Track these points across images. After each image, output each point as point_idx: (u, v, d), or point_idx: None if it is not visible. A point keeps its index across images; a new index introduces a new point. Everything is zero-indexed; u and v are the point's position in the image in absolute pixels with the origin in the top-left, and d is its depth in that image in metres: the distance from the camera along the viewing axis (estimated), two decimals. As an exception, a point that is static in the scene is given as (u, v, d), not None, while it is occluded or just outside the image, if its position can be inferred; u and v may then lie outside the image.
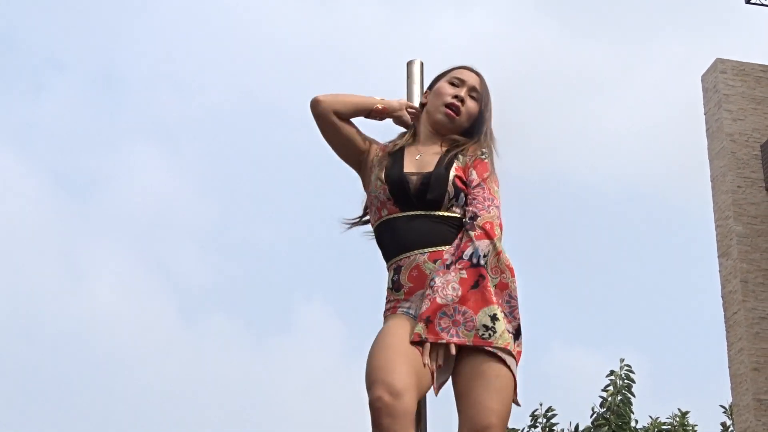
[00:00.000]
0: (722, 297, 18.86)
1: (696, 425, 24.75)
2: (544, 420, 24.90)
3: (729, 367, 18.52)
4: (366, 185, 3.82)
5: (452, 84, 3.82)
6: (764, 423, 17.67)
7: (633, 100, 51.16)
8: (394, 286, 3.61)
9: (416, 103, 3.95)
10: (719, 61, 19.81)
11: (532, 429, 25.05)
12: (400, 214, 3.65)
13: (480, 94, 3.84)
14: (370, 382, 3.39)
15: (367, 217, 3.84)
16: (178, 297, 50.66)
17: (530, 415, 24.98)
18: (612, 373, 24.48)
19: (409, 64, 4.04)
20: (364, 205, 3.86)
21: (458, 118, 3.80)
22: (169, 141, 53.05)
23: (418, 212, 3.62)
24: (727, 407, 24.61)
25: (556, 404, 25.67)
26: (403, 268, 3.60)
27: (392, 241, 3.65)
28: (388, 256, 3.68)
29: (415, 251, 3.58)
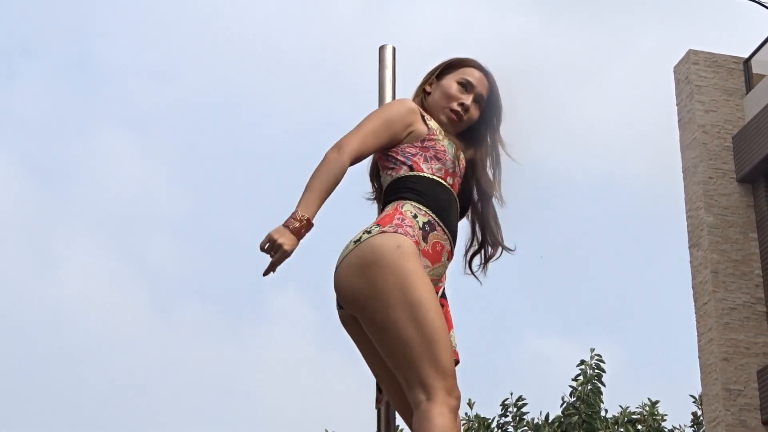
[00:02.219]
0: (692, 288, 18.95)
1: (666, 414, 24.91)
2: (515, 409, 24.99)
3: (699, 357, 18.62)
4: (411, 133, 3.69)
5: (460, 84, 3.82)
6: (733, 413, 17.79)
7: (607, 90, 51.33)
8: (423, 231, 3.49)
9: (388, 89, 3.94)
10: (692, 53, 19.88)
11: (503, 418, 25.14)
12: (455, 194, 3.66)
13: (485, 100, 3.87)
14: (450, 369, 3.29)
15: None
16: (152, 285, 50.55)
17: (501, 404, 25.07)
18: (582, 362, 24.59)
19: (381, 48, 4.01)
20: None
21: (459, 124, 3.81)
22: (143, 128, 52.84)
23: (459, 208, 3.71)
24: (697, 397, 24.77)
25: (528, 393, 25.79)
26: (435, 231, 3.53)
27: (440, 207, 3.57)
28: (427, 205, 3.56)
29: (450, 238, 3.58)
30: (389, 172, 3.63)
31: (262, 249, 3.42)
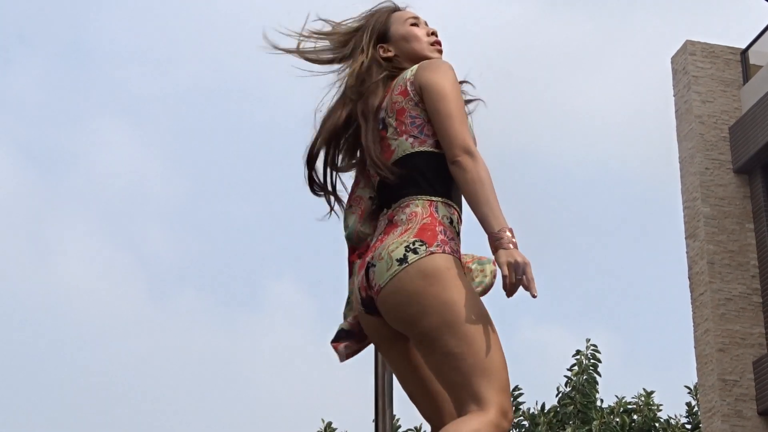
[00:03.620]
0: (689, 278, 18.97)
1: (661, 405, 24.95)
2: (511, 399, 25.02)
3: (695, 348, 18.64)
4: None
5: (412, 24, 3.64)
6: (729, 403, 17.82)
7: (604, 80, 51.31)
8: (458, 235, 3.34)
9: None
10: (689, 43, 19.87)
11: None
12: None
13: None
14: (507, 389, 3.14)
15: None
16: (148, 274, 50.54)
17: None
18: (578, 352, 24.63)
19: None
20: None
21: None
22: (139, 116, 52.79)
23: None
24: (693, 387, 24.81)
25: (524, 383, 25.82)
26: (457, 218, 3.37)
27: (457, 191, 3.39)
28: (454, 197, 3.38)
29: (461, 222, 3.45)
30: (411, 140, 3.39)
31: (521, 283, 3.18)
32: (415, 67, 3.49)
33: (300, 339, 44.68)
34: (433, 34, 3.65)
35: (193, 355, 43.23)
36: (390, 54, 3.61)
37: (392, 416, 3.70)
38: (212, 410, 40.63)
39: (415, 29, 3.63)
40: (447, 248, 3.24)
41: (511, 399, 3.18)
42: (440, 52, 3.63)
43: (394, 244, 3.25)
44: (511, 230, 3.23)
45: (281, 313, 48.19)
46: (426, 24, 3.68)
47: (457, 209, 3.37)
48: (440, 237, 3.25)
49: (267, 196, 53.05)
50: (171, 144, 52.40)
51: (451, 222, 3.32)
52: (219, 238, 48.77)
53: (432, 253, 3.21)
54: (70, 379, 43.58)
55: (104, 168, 48.93)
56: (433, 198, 3.34)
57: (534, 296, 3.20)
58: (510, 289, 3.18)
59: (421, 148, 3.39)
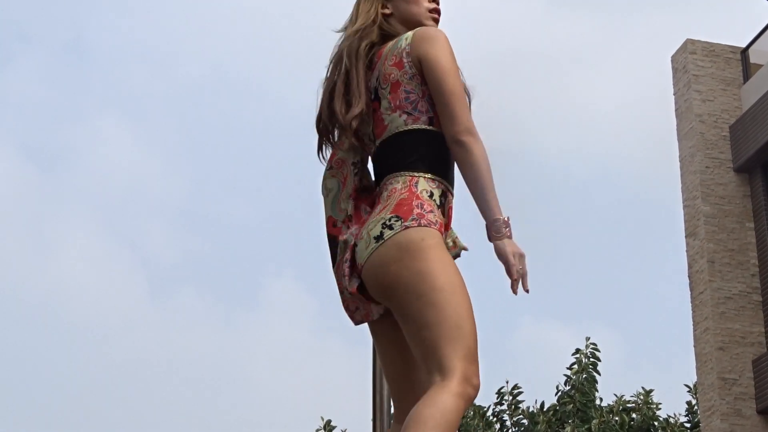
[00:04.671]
0: (689, 277, 18.97)
1: (660, 403, 24.95)
2: (510, 397, 25.02)
3: (694, 347, 18.64)
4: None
5: None
6: (728, 402, 17.81)
7: (606, 78, 51.31)
8: (441, 207, 3.33)
9: None
10: (689, 42, 19.87)
11: (498, 406, 25.18)
12: None
13: None
14: (473, 356, 3.13)
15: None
16: (147, 271, 50.55)
17: (496, 393, 25.12)
18: (578, 351, 24.62)
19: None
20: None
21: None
22: (138, 114, 52.79)
23: None
24: (692, 386, 24.81)
25: (524, 382, 25.83)
26: (449, 197, 3.38)
27: (449, 168, 3.40)
28: (441, 174, 3.37)
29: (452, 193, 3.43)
30: (405, 117, 3.38)
31: (519, 272, 3.24)
32: (410, 35, 3.43)
33: (299, 337, 44.69)
34: (435, 1, 3.58)
35: (193, 353, 43.25)
36: (387, 11, 3.56)
37: (390, 413, 3.70)
38: (212, 408, 40.64)
39: None
40: (423, 221, 3.25)
41: (478, 368, 3.16)
42: (437, 21, 3.56)
43: (372, 222, 3.30)
44: (509, 219, 3.28)
45: (281, 311, 48.20)
46: None
47: (444, 184, 3.36)
48: (416, 211, 3.27)
49: (267, 195, 53.06)
50: (171, 142, 52.40)
51: (431, 195, 3.31)
52: (219, 236, 48.79)
53: (407, 227, 3.24)
54: (70, 377, 43.58)
55: (105, 165, 48.95)
56: (416, 173, 3.34)
57: (527, 291, 3.25)
58: (517, 279, 3.23)
59: (414, 126, 3.38)
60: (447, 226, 3.37)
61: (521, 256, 3.26)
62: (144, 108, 52.31)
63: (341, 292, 3.41)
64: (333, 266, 3.44)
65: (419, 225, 3.25)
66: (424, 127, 3.37)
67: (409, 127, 3.38)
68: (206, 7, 51.54)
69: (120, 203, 48.87)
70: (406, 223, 3.25)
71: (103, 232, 50.23)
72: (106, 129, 50.73)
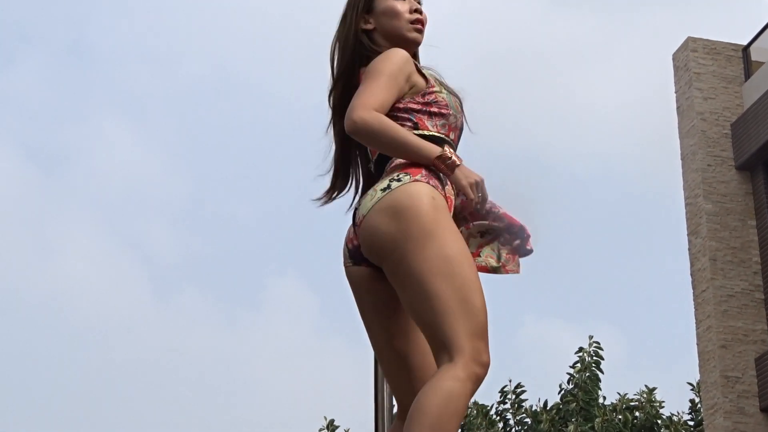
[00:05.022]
0: (691, 275, 18.96)
1: (663, 402, 24.95)
2: (513, 396, 25.03)
3: (697, 345, 18.63)
4: (413, 86, 3.39)
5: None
6: (731, 400, 17.81)
7: (607, 76, 51.29)
8: (443, 187, 3.25)
9: None
10: (690, 40, 19.86)
11: (501, 405, 25.19)
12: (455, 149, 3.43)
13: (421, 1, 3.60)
14: (482, 331, 3.03)
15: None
16: (149, 271, 50.54)
17: (499, 392, 25.11)
18: (581, 350, 24.63)
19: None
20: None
21: (423, 33, 3.53)
22: (139, 114, 52.80)
23: None
24: (695, 384, 24.80)
25: (528, 381, 25.83)
26: (447, 186, 3.29)
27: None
28: (440, 177, 3.29)
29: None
30: None
31: (480, 198, 3.20)
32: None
33: (302, 336, 44.70)
34: (417, 11, 3.51)
35: (195, 353, 43.27)
36: (369, 27, 3.51)
37: (392, 413, 3.71)
38: (214, 407, 40.67)
39: (396, 4, 3.50)
40: (431, 181, 3.20)
41: (488, 344, 3.06)
42: (420, 31, 3.50)
43: (379, 183, 3.24)
44: (450, 150, 3.24)
45: (283, 311, 48.21)
46: None
47: (441, 178, 3.28)
48: (424, 171, 3.21)
49: (268, 194, 53.07)
50: (173, 142, 52.41)
51: (438, 177, 3.25)
52: (221, 235, 48.81)
53: (416, 180, 3.18)
54: (71, 377, 43.60)
55: (106, 166, 48.97)
56: (412, 167, 3.27)
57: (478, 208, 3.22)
58: (482, 207, 3.21)
59: None
60: (450, 208, 3.28)
61: (479, 183, 3.21)
62: (145, 108, 52.34)
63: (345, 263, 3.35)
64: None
65: (428, 183, 3.18)
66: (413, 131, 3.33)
67: None
68: (208, 8, 51.54)
69: (122, 203, 48.91)
70: (415, 177, 3.18)
71: (104, 232, 50.28)
72: (108, 129, 50.77)
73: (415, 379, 3.25)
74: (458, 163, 3.23)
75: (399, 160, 3.28)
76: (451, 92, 3.44)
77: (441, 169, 3.22)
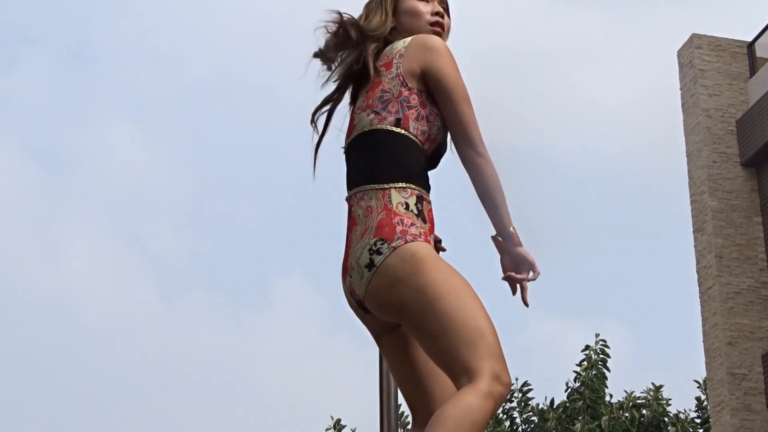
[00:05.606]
0: (697, 272, 18.94)
1: (670, 399, 24.93)
2: (520, 395, 25.02)
3: (703, 342, 18.61)
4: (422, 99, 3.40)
5: (422, 0, 3.54)
6: (738, 397, 17.79)
7: (612, 73, 51.26)
8: (420, 215, 3.29)
9: None
10: (695, 37, 19.84)
11: (508, 404, 25.16)
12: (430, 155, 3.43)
13: (446, 3, 3.62)
14: (497, 354, 3.10)
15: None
16: (155, 272, 50.60)
17: (506, 390, 25.08)
18: (587, 348, 24.61)
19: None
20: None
21: (443, 37, 3.56)
22: (145, 115, 52.85)
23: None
24: (701, 382, 24.78)
25: (534, 379, 25.81)
26: (425, 202, 3.32)
27: (421, 172, 3.36)
28: (413, 179, 3.32)
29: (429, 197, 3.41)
30: (372, 117, 3.35)
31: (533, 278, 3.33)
32: (408, 40, 3.41)
33: (309, 336, 44.70)
34: (438, 14, 3.55)
35: (202, 353, 43.28)
36: (393, 24, 3.53)
37: (398, 412, 3.70)
38: (221, 408, 40.68)
39: (419, 4, 3.54)
40: (408, 237, 3.22)
41: (506, 364, 3.12)
42: (438, 35, 3.52)
43: (359, 249, 3.26)
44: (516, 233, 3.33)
45: (289, 311, 48.22)
46: (441, 1, 3.58)
47: (417, 189, 3.31)
48: (399, 228, 3.23)
49: (274, 194, 53.09)
50: (178, 143, 52.45)
51: (407, 207, 3.27)
52: (227, 236, 48.83)
53: (395, 248, 3.20)
54: (78, 377, 43.63)
55: (111, 167, 49.00)
56: (385, 185, 3.29)
57: (526, 305, 3.31)
58: (525, 289, 3.30)
59: (380, 126, 3.34)
60: (431, 231, 3.33)
61: (533, 265, 3.31)
62: (150, 109, 52.38)
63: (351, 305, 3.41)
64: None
65: (406, 242, 3.21)
66: (388, 128, 3.33)
67: (374, 127, 3.35)
68: (211, 8, 51.58)
69: (127, 204, 48.96)
70: (392, 245, 3.21)
71: (111, 233, 50.31)
72: (113, 130, 50.80)
73: (429, 391, 3.34)
74: (518, 241, 3.33)
75: (366, 201, 3.31)
76: None
77: (515, 242, 3.31)
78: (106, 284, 47.53)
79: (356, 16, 3.57)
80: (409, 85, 3.36)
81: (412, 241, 3.22)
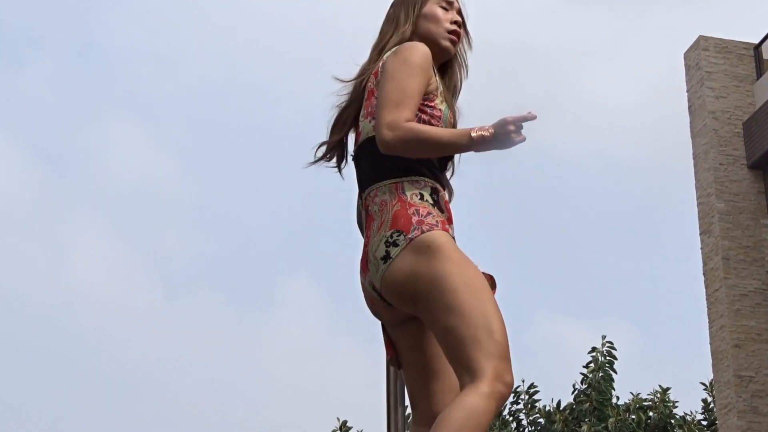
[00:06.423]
0: (704, 274, 18.93)
1: (677, 401, 24.92)
2: (527, 396, 25.02)
3: (710, 344, 18.60)
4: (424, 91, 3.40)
5: (442, 8, 3.57)
6: (744, 399, 17.77)
7: (619, 75, 51.23)
8: (436, 205, 3.30)
9: None
10: (702, 39, 19.83)
11: (515, 405, 25.17)
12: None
13: (464, 18, 3.64)
14: (502, 353, 3.10)
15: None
16: (161, 272, 50.64)
17: (513, 392, 25.08)
18: (594, 350, 24.60)
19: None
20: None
21: (457, 45, 3.58)
22: (150, 116, 52.90)
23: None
24: (708, 384, 24.76)
25: (541, 381, 25.81)
26: (441, 193, 3.34)
27: (434, 166, 3.37)
28: (417, 172, 3.33)
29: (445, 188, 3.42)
30: (373, 123, 3.37)
31: (516, 130, 3.26)
32: (396, 48, 3.43)
33: (314, 336, 44.71)
34: (456, 23, 3.56)
35: (206, 354, 43.30)
36: (411, 28, 3.55)
37: (405, 414, 3.70)
38: (226, 408, 40.69)
39: (439, 11, 3.56)
40: (425, 227, 3.24)
41: (510, 365, 3.13)
42: (453, 43, 3.54)
43: (375, 242, 3.28)
44: (478, 128, 3.25)
45: (294, 311, 48.24)
46: (460, 12, 3.61)
47: (429, 181, 3.33)
48: (414, 219, 3.25)
49: (279, 194, 53.10)
50: (184, 143, 52.49)
51: (422, 197, 3.29)
52: (232, 236, 48.86)
53: (411, 239, 3.22)
54: (85, 378, 43.67)
55: (118, 168, 49.07)
56: (398, 179, 3.32)
57: (533, 117, 3.29)
58: (518, 125, 3.24)
59: None
60: (450, 220, 3.33)
61: (513, 122, 3.24)
62: (156, 110, 52.44)
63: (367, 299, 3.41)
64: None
65: (422, 232, 3.23)
66: None
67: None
68: (217, 9, 51.61)
69: (133, 205, 49.00)
70: (409, 236, 3.23)
71: (117, 233, 50.37)
72: (119, 131, 50.87)
73: (435, 399, 3.35)
74: (489, 134, 3.26)
75: (381, 196, 3.33)
76: (450, 106, 3.47)
77: (488, 136, 3.25)
78: (111, 284, 47.61)
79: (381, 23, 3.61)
80: None
81: (429, 230, 3.23)
